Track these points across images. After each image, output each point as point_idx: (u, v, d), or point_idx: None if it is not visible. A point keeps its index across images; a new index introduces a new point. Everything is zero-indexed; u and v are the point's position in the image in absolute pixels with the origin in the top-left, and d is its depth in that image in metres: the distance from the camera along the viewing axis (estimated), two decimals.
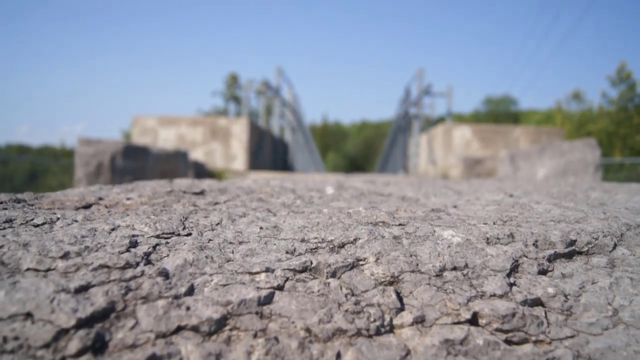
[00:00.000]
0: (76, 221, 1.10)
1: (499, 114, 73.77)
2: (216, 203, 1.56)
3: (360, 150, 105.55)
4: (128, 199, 1.47)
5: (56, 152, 20.33)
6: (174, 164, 5.52)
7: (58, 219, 1.11)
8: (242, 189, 2.02)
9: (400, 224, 1.16)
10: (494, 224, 1.19)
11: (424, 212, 1.40)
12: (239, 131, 7.67)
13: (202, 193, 1.72)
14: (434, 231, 1.08)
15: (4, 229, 1.01)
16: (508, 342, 0.76)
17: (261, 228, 1.11)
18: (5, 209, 1.22)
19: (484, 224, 1.17)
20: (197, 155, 7.62)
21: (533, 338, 0.77)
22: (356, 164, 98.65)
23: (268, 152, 9.61)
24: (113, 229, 1.02)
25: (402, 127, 12.77)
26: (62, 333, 0.67)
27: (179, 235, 1.05)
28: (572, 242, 1.07)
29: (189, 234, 1.06)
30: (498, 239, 1.05)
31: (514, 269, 0.94)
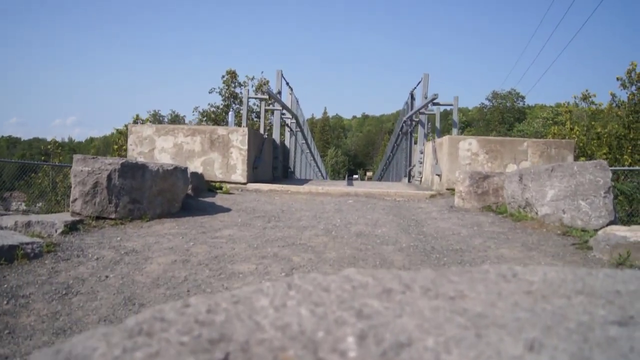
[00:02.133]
0: None
1: (505, 109, 73.57)
2: None
3: (360, 146, 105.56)
4: None
5: (47, 144, 20.19)
6: (173, 181, 5.36)
7: None
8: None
9: None
10: None
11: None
12: (239, 141, 7.51)
13: None
14: None
15: None
16: None
17: None
18: None
19: None
20: (195, 165, 7.46)
21: None
22: (356, 161, 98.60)
23: (268, 160, 9.45)
24: None
25: (406, 132, 12.59)
26: None
27: None
28: None
29: None
30: None
31: None
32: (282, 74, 10.66)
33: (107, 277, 3.37)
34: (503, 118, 71.56)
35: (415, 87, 11.73)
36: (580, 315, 1.06)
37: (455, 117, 8.97)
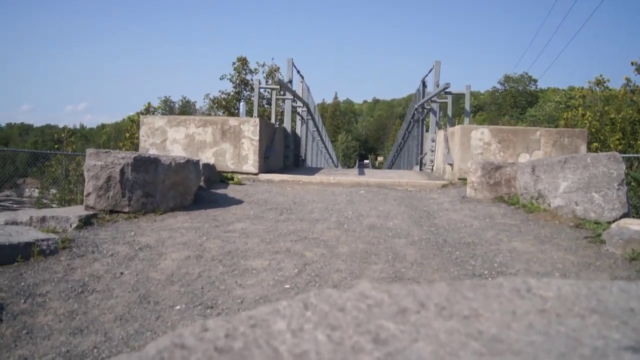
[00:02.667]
0: None
1: (518, 93, 72.97)
2: None
3: (371, 131, 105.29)
4: None
5: (60, 132, 20.28)
6: (186, 174, 5.38)
7: None
8: None
9: None
10: None
11: None
12: (250, 131, 7.52)
13: None
14: None
15: None
16: None
17: None
18: None
19: None
20: (207, 156, 7.49)
21: None
22: (367, 146, 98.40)
23: (279, 149, 9.45)
24: None
25: (418, 120, 12.54)
26: None
27: None
28: None
29: None
30: None
31: None
32: (292, 63, 10.63)
33: (122, 274, 3.42)
34: (515, 102, 71.01)
35: (426, 75, 11.67)
36: (594, 339, 1.07)
37: (467, 106, 8.91)
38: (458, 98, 10.23)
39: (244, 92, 21.83)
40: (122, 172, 4.93)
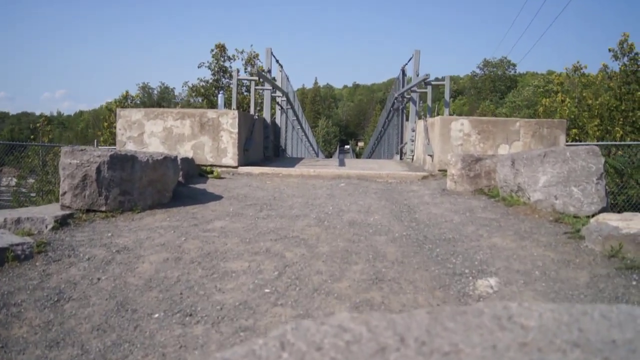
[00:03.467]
0: None
1: (497, 77, 73.31)
2: None
3: (352, 116, 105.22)
4: None
5: (36, 121, 19.98)
6: (164, 171, 5.31)
7: None
8: None
9: None
10: None
11: None
12: (229, 124, 7.44)
13: None
14: None
15: None
16: None
17: None
18: None
19: None
20: (185, 149, 7.40)
21: None
22: (348, 131, 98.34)
23: (259, 140, 9.37)
24: None
25: (397, 108, 12.52)
26: None
27: None
28: None
29: None
30: None
31: None
32: (271, 52, 10.53)
33: (99, 279, 3.36)
34: (495, 86, 71.45)
35: (406, 63, 11.63)
36: None
37: (447, 96, 8.89)
38: (439, 86, 10.21)
39: (223, 79, 21.61)
40: (98, 170, 4.84)
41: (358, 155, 56.68)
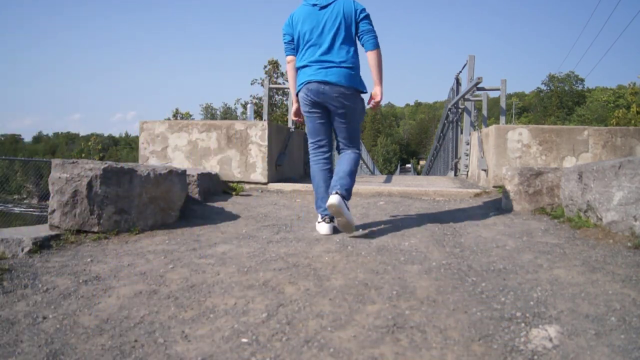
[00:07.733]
0: None
1: (564, 93, 70.33)
2: None
3: (413, 134, 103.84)
4: None
5: (103, 139, 20.24)
6: (168, 186, 4.65)
7: None
8: None
9: None
10: None
11: None
12: (258, 136, 6.78)
13: None
14: None
15: None
16: None
17: None
18: None
19: None
20: (211, 164, 6.79)
21: None
22: (409, 150, 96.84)
23: (298, 156, 8.67)
24: None
25: (452, 121, 11.57)
26: None
27: None
28: None
29: None
30: None
31: None
32: None
33: (44, 318, 2.68)
34: (561, 102, 68.61)
35: (460, 71, 10.71)
36: None
37: (502, 103, 7.92)
38: (498, 99, 9.24)
39: (276, 96, 21.23)
40: (89, 185, 4.23)
41: (419, 174, 55.41)
